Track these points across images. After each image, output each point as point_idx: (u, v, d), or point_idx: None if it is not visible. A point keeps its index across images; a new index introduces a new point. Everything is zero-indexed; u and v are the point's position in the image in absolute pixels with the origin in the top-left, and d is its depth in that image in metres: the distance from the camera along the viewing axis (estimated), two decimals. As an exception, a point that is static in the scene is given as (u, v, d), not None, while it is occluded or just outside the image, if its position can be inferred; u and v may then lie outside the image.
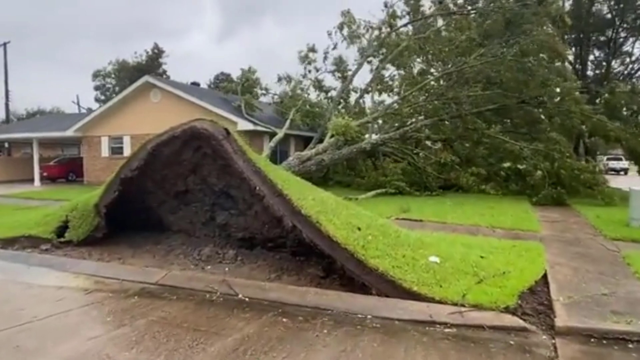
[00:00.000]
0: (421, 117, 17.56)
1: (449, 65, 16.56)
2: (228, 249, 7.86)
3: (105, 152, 20.91)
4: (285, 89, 21.07)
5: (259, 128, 17.86)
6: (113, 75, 47.26)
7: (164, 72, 45.27)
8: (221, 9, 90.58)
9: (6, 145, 31.39)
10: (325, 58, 20.37)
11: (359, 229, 5.97)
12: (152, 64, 43.94)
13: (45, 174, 23.71)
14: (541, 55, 15.37)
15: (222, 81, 31.55)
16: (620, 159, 34.98)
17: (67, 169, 24.58)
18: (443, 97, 15.50)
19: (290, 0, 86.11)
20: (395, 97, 17.86)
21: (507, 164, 17.11)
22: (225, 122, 14.19)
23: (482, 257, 6.20)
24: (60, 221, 8.48)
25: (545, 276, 5.74)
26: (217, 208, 8.14)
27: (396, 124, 16.55)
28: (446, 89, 15.77)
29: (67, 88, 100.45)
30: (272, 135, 17.58)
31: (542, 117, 17.35)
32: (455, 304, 4.70)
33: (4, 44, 32.19)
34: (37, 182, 22.65)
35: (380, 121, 18.91)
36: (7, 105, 34.01)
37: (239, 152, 6.93)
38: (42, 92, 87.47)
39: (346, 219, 6.19)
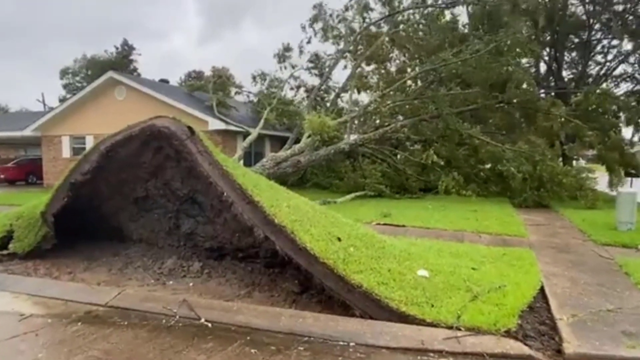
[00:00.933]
0: (401, 118, 17.12)
1: (426, 63, 16.12)
2: (194, 260, 7.12)
3: (66, 152, 19.61)
4: (260, 87, 20.24)
5: (232, 127, 17.02)
6: (82, 74, 45.25)
7: (135, 69, 43.59)
8: (203, 11, 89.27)
9: (-38, 146, 29.43)
10: (300, 53, 19.74)
11: (339, 239, 5.33)
12: (122, 61, 42.23)
13: (2, 176, 22.20)
14: (516, 53, 15.12)
15: (193, 79, 30.36)
16: (578, 159, 35.95)
17: (26, 171, 23.05)
18: (422, 96, 15.05)
19: (271, 3, 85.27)
20: (374, 96, 17.28)
21: (487, 166, 16.82)
22: (195, 121, 13.40)
23: (473, 268, 5.65)
24: (4, 231, 7.54)
25: (542, 289, 5.24)
26: (182, 215, 7.40)
27: (375, 124, 16.01)
28: (424, 88, 15.33)
29: (40, 88, 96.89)
30: (247, 135, 16.78)
31: (521, 119, 17.18)
32: (450, 327, 4.11)
33: (-41, 38, 30.12)
34: (-9, 185, 21.16)
35: (356, 122, 18.33)
36: (-37, 103, 31.90)
37: (205, 153, 6.19)
38: (11, 92, 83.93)
39: (325, 228, 5.54)
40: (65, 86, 45.84)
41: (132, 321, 4.66)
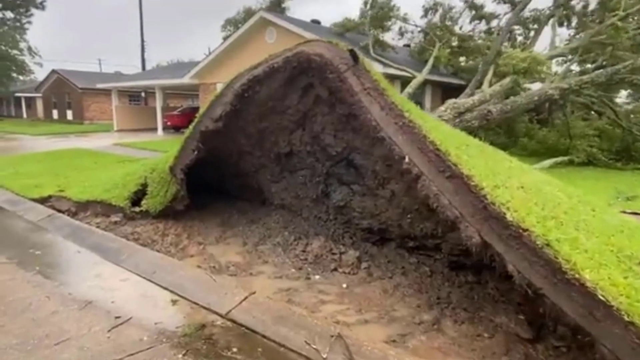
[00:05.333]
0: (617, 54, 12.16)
1: None
2: (347, 244, 5.21)
3: (221, 100, 19.58)
4: (430, 19, 16.65)
5: (391, 70, 14.29)
6: (240, 25, 46.99)
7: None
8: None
9: (142, 94, 32.97)
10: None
11: (647, 267, 2.62)
12: (275, 9, 42.23)
13: (168, 123, 23.69)
14: None
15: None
16: None
17: (188, 119, 23.88)
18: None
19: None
20: (609, 21, 12.03)
21: None
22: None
23: None
24: (138, 184, 6.53)
25: None
26: (334, 181, 5.44)
27: (594, 63, 11.58)
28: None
29: (211, 43, 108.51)
30: (406, 82, 14.02)
31: None
32: None
33: (140, -5, 33.05)
34: (159, 131, 22.66)
35: (549, 64, 13.77)
36: (142, 55, 35.69)
37: (374, 92, 3.94)
38: (189, 48, 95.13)
39: (606, 236, 2.86)
40: (224, 39, 48.39)
41: (256, 363, 2.82)
